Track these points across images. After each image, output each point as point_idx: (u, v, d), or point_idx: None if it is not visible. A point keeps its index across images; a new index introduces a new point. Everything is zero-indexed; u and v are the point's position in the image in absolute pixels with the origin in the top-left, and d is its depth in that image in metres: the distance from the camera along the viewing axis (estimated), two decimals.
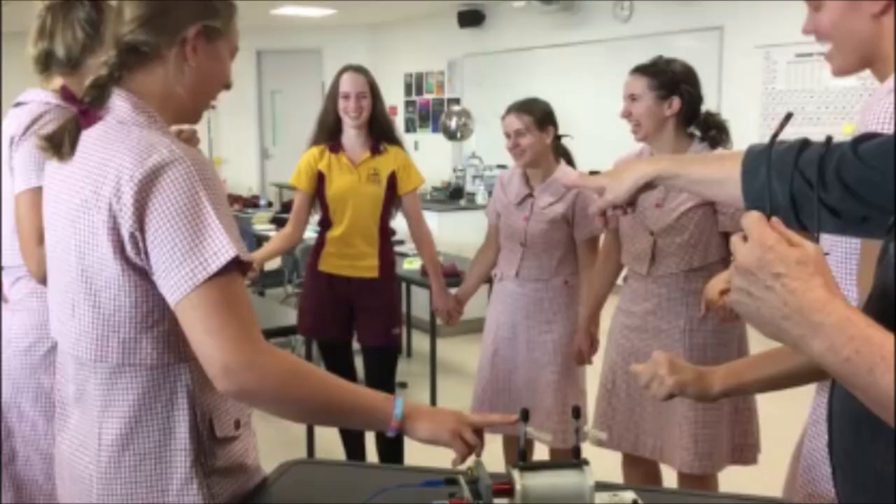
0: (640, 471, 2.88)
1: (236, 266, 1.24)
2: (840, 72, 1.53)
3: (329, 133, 3.40)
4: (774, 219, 0.90)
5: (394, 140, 3.46)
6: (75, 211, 1.28)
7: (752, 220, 0.90)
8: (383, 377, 3.42)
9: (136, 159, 1.22)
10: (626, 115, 2.67)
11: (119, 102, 1.32)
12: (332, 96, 3.35)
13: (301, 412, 1.41)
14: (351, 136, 3.38)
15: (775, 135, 1.08)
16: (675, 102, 2.61)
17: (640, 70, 2.67)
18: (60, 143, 1.33)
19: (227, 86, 1.47)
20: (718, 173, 1.33)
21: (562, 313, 3.10)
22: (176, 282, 1.21)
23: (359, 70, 3.36)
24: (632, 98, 2.65)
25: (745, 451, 2.71)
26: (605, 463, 2.93)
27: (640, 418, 2.74)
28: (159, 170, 1.21)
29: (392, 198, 3.44)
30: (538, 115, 3.08)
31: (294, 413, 1.39)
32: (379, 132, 3.40)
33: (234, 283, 1.24)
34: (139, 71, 1.34)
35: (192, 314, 1.22)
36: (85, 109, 1.33)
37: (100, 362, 1.30)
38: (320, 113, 3.44)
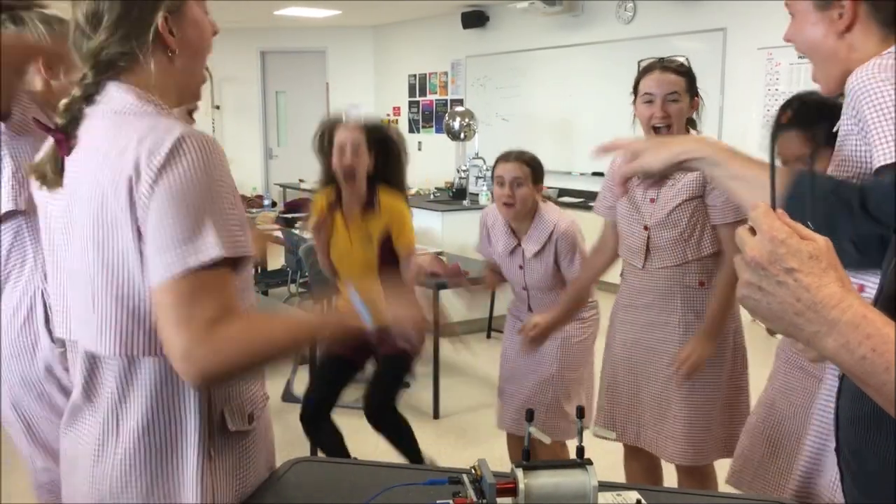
0: (642, 464, 2.90)
1: (227, 262, 1.24)
2: (828, 91, 1.53)
3: (330, 181, 3.23)
4: (781, 211, 0.88)
5: (397, 186, 3.25)
6: (97, 206, 1.27)
7: (761, 212, 0.87)
8: (396, 370, 3.35)
9: (152, 148, 1.21)
10: (665, 115, 2.56)
11: (120, 94, 1.30)
12: (327, 146, 3.17)
13: (272, 367, 1.42)
14: (346, 190, 3.19)
15: (777, 123, 1.08)
16: (696, 103, 2.62)
17: (675, 70, 2.61)
18: (45, 172, 1.32)
19: (215, 31, 1.44)
20: (761, 177, 1.29)
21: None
22: (163, 264, 1.21)
23: (355, 126, 3.16)
24: (671, 97, 2.56)
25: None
26: (607, 461, 2.97)
27: (641, 411, 2.77)
28: (174, 157, 1.20)
29: (389, 259, 3.21)
30: (536, 168, 3.02)
31: (267, 369, 1.43)
32: (380, 181, 3.19)
33: (219, 278, 1.24)
34: (121, 77, 1.32)
35: (166, 300, 1.22)
36: (60, 138, 1.31)
37: (124, 356, 1.30)
38: (321, 159, 3.22)
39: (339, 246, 3.22)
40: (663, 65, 2.61)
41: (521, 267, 3.09)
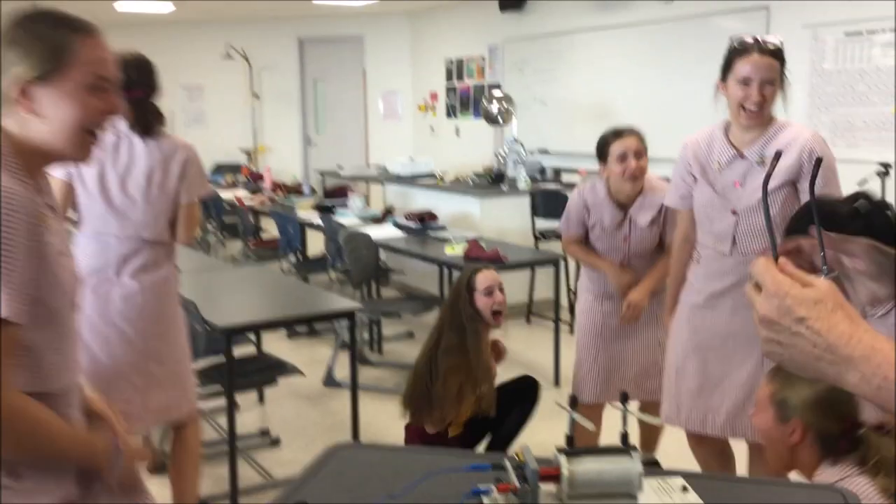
0: (713, 447, 2.85)
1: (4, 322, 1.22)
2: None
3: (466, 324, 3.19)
4: (782, 260, 0.92)
5: None
6: None
7: (761, 267, 0.91)
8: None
9: None
10: (762, 99, 2.54)
11: None
12: (466, 292, 3.17)
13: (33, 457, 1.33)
14: (487, 328, 3.22)
15: (768, 175, 1.09)
16: (784, 84, 2.60)
17: (772, 53, 2.56)
18: None
19: (91, 130, 1.39)
20: None
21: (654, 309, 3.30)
22: None
23: (493, 269, 3.29)
24: (770, 82, 2.55)
25: None
26: (671, 440, 2.93)
27: (709, 397, 2.73)
28: None
29: None
30: (644, 140, 3.21)
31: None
32: None
33: (6, 339, 1.23)
34: None
35: None
36: None
37: None
38: (454, 316, 3.18)
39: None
40: (760, 47, 2.55)
41: (626, 239, 3.23)
